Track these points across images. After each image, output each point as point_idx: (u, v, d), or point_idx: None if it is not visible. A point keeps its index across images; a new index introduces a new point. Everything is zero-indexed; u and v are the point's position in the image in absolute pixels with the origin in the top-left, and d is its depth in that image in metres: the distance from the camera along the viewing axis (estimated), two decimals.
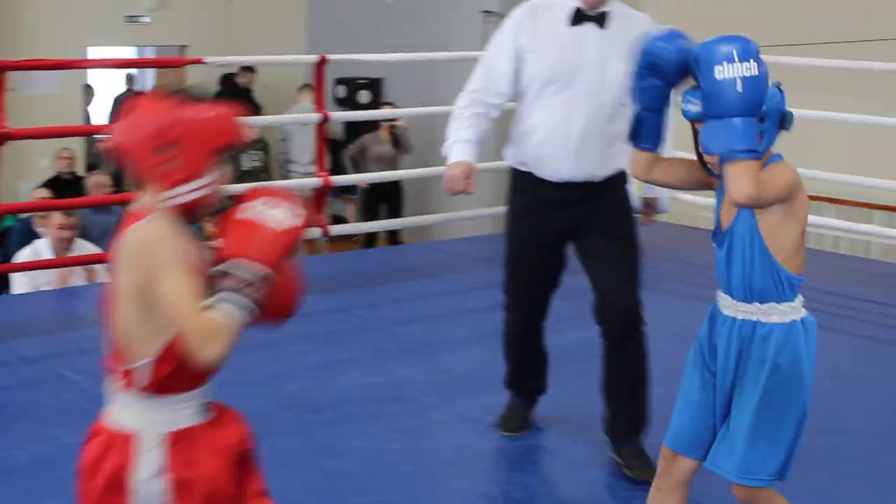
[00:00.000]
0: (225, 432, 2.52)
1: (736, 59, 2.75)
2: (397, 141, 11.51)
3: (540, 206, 4.07)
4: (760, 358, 2.93)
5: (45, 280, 6.74)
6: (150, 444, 2.35)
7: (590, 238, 4.07)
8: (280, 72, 12.86)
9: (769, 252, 2.91)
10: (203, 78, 12.55)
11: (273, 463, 4.00)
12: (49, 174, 10.97)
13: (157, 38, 13.53)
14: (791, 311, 2.93)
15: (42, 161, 11.62)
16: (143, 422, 2.36)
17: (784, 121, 2.91)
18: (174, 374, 2.36)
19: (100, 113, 14.54)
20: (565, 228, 4.08)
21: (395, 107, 11.30)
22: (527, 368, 4.42)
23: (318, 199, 7.24)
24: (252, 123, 10.43)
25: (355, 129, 12.23)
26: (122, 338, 2.33)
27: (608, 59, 3.85)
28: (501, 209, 8.48)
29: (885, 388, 5.07)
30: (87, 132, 12.38)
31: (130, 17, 12.98)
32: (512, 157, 4.16)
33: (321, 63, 7.01)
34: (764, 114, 2.83)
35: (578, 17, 3.91)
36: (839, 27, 10.31)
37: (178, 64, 11.26)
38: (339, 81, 12.76)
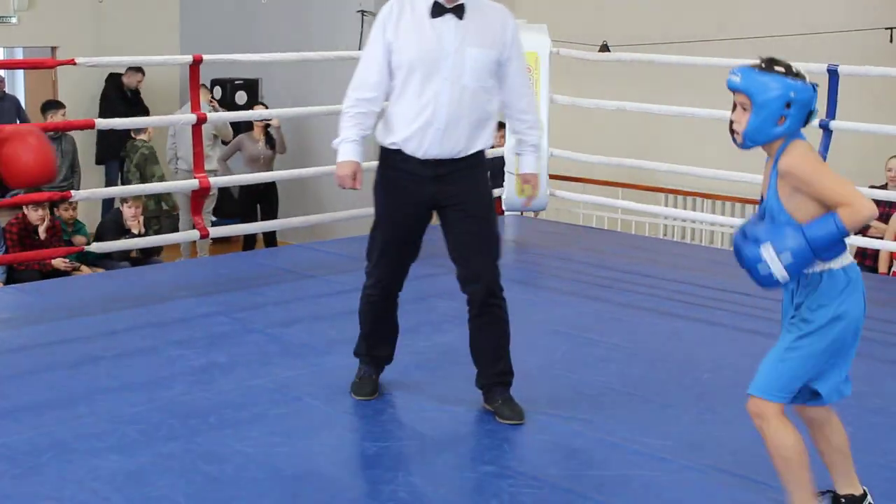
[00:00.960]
0: None
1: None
2: (272, 141, 11.45)
3: (406, 181, 4.46)
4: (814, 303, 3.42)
5: None
6: None
7: (454, 213, 4.47)
8: (160, 72, 12.70)
9: (791, 218, 3.36)
10: (82, 78, 12.38)
11: (155, 469, 3.97)
12: None
13: (26, 39, 13.24)
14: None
15: None
16: None
17: (808, 116, 3.39)
18: None
19: None
20: (430, 202, 4.48)
21: (268, 107, 11.24)
22: (380, 336, 4.80)
23: (197, 201, 7.16)
24: (130, 124, 10.33)
25: (234, 131, 12.15)
26: None
27: (466, 47, 4.32)
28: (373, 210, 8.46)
29: None
30: None
31: None
32: (383, 137, 4.50)
33: (196, 63, 6.93)
34: (791, 101, 3.33)
35: (438, 10, 4.33)
36: (701, 26, 10.54)
37: (47, 65, 11.01)
38: (216, 82, 12.64)
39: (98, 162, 12.63)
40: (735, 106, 3.43)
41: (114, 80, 12.92)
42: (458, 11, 4.34)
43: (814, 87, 3.38)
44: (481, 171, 4.54)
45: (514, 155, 7.75)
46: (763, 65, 3.40)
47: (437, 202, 4.47)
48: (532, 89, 4.92)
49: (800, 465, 3.40)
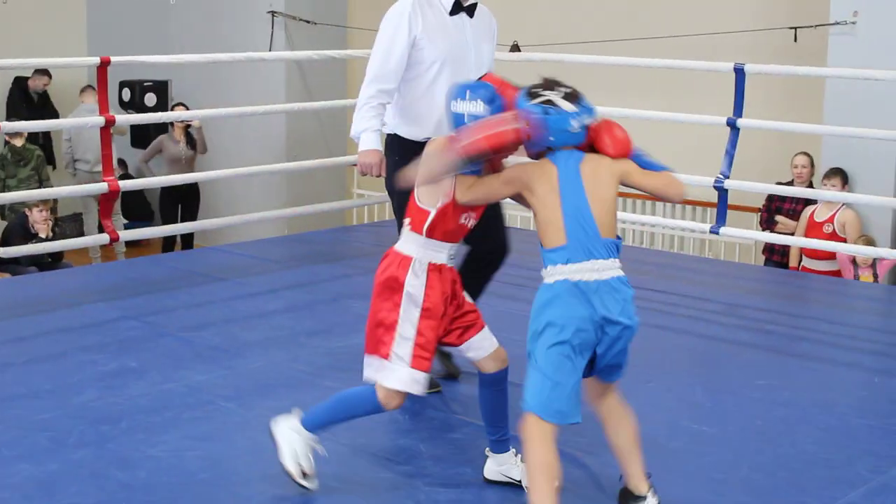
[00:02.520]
0: (452, 272, 3.78)
1: (467, 97, 3.63)
2: (193, 141, 11.35)
3: None
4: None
5: None
6: (420, 267, 3.69)
7: None
8: (64, 73, 12.53)
9: None
10: None
11: (65, 477, 3.91)
12: None
13: None
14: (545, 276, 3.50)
15: None
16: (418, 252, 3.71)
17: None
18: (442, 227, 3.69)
19: None
20: None
21: (188, 108, 11.13)
22: None
23: (106, 205, 7.07)
24: (36, 127, 10.17)
25: (143, 134, 12.03)
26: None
27: (479, 43, 4.78)
28: (294, 210, 8.47)
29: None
30: None
31: None
32: (408, 131, 4.74)
33: (104, 65, 6.84)
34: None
35: (456, 8, 4.72)
36: (611, 26, 10.64)
37: None
38: (124, 84, 12.49)
39: None
40: None
41: (19, 83, 12.73)
42: (471, 10, 4.76)
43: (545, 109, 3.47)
44: None
45: None
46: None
47: None
48: None
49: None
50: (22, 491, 3.81)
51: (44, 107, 12.68)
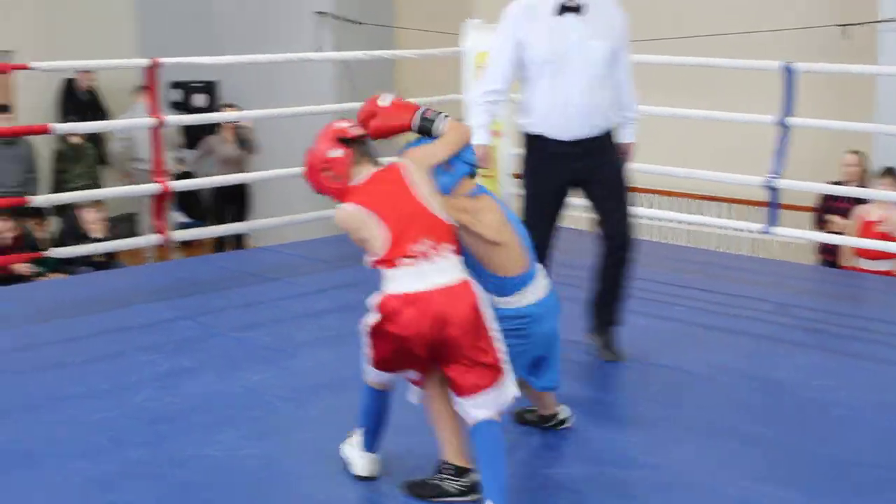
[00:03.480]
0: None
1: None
2: (243, 142, 11.41)
3: (551, 161, 5.04)
4: None
5: None
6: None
7: (595, 185, 5.10)
8: (114, 75, 12.62)
9: None
10: (39, 83, 12.28)
11: (123, 476, 3.95)
12: None
13: None
14: None
15: None
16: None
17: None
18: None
19: None
20: (572, 179, 5.08)
21: (239, 109, 11.18)
22: None
23: (158, 205, 7.12)
24: (87, 128, 10.25)
25: (193, 134, 12.09)
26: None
27: (588, 41, 4.94)
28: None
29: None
30: None
31: None
32: (525, 125, 5.11)
33: (153, 67, 6.89)
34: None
35: (561, 9, 4.94)
36: (658, 25, 10.59)
37: (2, 70, 10.96)
38: (174, 85, 12.57)
39: None
40: None
41: (70, 83, 12.82)
42: (578, 10, 4.93)
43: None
44: (612, 146, 5.15)
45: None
46: None
47: (579, 177, 5.07)
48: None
49: None
50: (80, 490, 3.85)
51: (92, 107, 12.78)
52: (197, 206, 12.63)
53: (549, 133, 5.01)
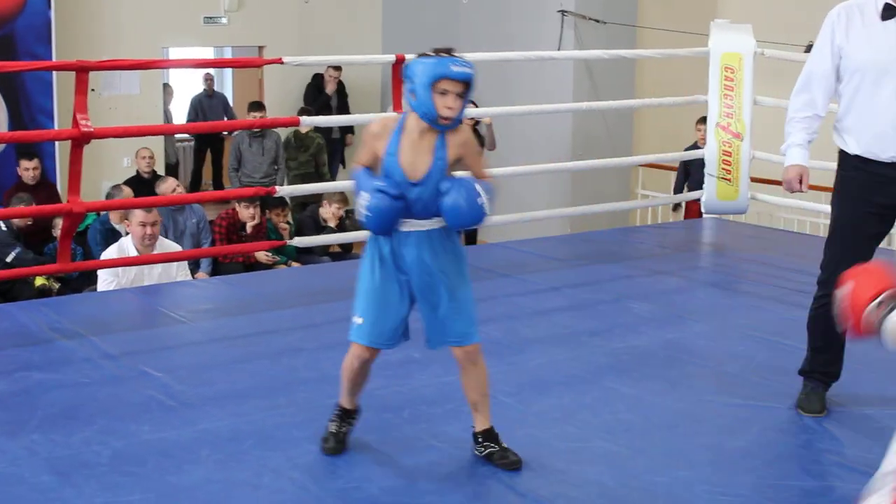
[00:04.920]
0: None
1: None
2: (482, 138, 11.52)
3: (868, 185, 4.39)
4: (455, 252, 3.97)
5: (129, 278, 6.84)
6: None
7: None
8: (360, 71, 12.95)
9: None
10: (288, 77, 12.71)
11: (351, 461, 4.04)
12: (130, 173, 11.13)
13: (235, 39, 13.66)
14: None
15: (123, 160, 11.80)
16: None
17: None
18: None
19: (179, 112, 14.72)
20: (893, 205, 4.40)
21: (477, 105, 11.29)
22: (834, 350, 4.60)
23: None
24: (334, 122, 10.53)
25: None
26: None
27: None
28: (578, 209, 8.45)
29: None
30: (167, 131, 12.54)
31: (209, 17, 13.11)
32: (841, 143, 4.52)
33: (398, 62, 7.03)
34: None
35: (889, 12, 4.28)
36: None
37: (256, 64, 11.36)
38: None
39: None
40: (449, 94, 3.75)
41: (316, 79, 13.18)
42: None
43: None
44: None
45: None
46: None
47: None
48: None
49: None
50: (309, 472, 3.96)
51: (339, 102, 13.12)
52: None
53: (869, 154, 4.39)
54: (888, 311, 2.70)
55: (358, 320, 3.98)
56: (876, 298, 2.72)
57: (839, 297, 2.83)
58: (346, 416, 4.17)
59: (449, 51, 3.79)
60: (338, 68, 12.91)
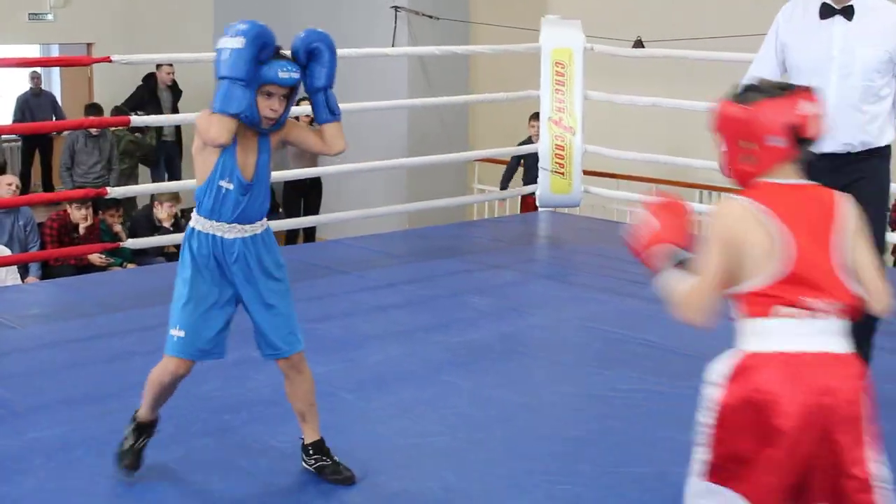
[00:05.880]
0: None
1: (229, 35, 3.59)
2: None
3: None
4: (276, 260, 3.82)
5: None
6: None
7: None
8: (194, 69, 12.75)
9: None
10: (114, 76, 12.44)
11: (189, 464, 3.98)
12: None
13: (62, 36, 13.34)
14: None
15: None
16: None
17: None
18: None
19: (4, 112, 14.28)
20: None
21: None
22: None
23: None
24: (165, 121, 10.34)
25: None
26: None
27: (853, 48, 4.33)
28: (414, 205, 8.47)
29: None
30: None
31: (34, 14, 12.79)
32: None
33: None
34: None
35: (827, 11, 4.38)
36: (734, 21, 10.43)
37: (84, 63, 11.10)
38: None
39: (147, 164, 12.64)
40: (274, 97, 3.66)
41: (151, 77, 12.92)
42: (847, 13, 4.35)
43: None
44: (873, 165, 4.44)
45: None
46: None
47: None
48: None
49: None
50: (146, 477, 3.88)
51: (172, 100, 12.92)
52: (270, 199, 12.68)
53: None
54: (669, 263, 2.82)
55: (178, 333, 3.73)
56: (661, 245, 2.83)
57: (637, 217, 2.95)
58: (146, 428, 3.95)
59: (277, 49, 3.69)
60: (171, 65, 12.70)
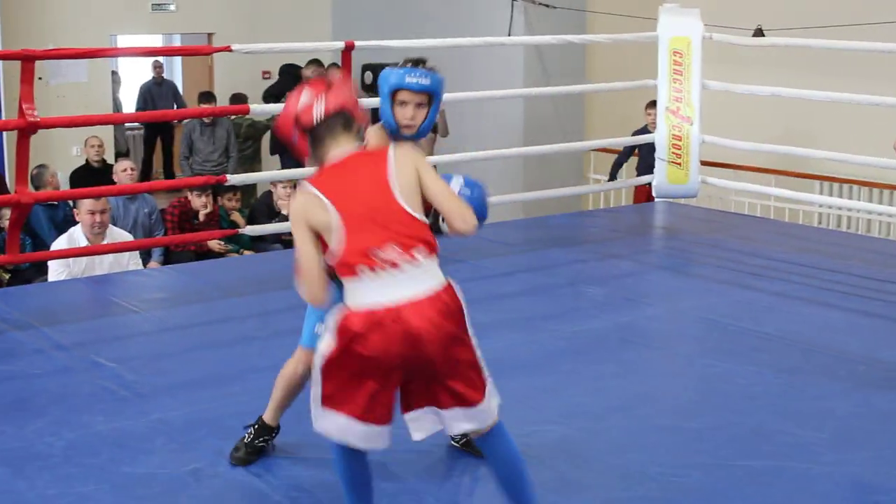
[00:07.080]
0: None
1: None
2: (435, 125, 11.48)
3: None
4: None
5: (80, 267, 6.78)
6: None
7: None
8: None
9: None
10: (234, 65, 12.61)
11: (306, 448, 4.02)
12: (79, 162, 11.03)
13: (184, 26, 13.57)
14: None
15: (73, 149, 11.69)
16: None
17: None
18: None
19: (127, 100, 14.60)
20: None
21: None
22: None
23: None
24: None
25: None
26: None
27: None
28: (530, 195, 8.45)
29: None
30: (116, 120, 12.43)
31: (157, 5, 13.02)
32: None
33: (348, 49, 7.00)
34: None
35: None
36: (858, 10, 10.22)
37: (204, 52, 11.26)
38: (366, 67, 12.74)
39: (272, 152, 12.76)
40: (408, 105, 3.75)
41: (290, 69, 12.96)
42: None
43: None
44: None
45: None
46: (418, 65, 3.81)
47: None
48: None
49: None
50: (264, 461, 3.95)
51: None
52: None
53: None
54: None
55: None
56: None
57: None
58: (265, 431, 3.98)
59: (418, 62, 3.73)
60: (320, 64, 12.80)
